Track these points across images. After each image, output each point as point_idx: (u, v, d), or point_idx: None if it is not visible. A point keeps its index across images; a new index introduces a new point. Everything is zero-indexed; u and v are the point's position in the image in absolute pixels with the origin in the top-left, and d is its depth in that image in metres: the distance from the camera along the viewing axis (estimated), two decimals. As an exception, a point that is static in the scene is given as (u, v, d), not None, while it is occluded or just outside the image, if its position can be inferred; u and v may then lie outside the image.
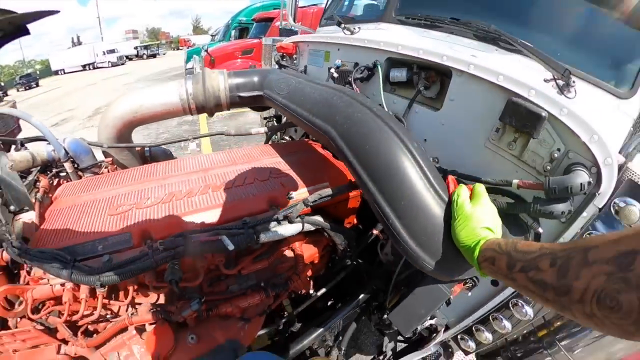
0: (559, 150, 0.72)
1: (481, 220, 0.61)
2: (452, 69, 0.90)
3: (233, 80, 1.36)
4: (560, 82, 0.75)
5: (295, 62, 1.83)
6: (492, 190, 0.77)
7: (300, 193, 1.00)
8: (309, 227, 0.97)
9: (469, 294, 0.97)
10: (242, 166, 1.14)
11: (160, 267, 0.81)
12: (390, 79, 1.10)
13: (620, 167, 0.73)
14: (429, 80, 1.00)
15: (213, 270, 0.96)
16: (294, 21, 2.14)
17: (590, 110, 0.74)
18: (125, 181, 1.09)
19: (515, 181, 0.70)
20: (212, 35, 12.90)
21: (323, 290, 1.21)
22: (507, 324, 0.88)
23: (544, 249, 0.46)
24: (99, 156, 1.42)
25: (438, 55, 0.93)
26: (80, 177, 1.25)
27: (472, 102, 0.87)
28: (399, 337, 1.35)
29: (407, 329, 0.93)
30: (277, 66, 1.93)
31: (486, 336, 0.96)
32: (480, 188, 0.68)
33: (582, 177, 0.64)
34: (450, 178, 0.74)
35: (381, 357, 1.35)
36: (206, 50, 6.76)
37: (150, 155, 1.55)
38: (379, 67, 1.12)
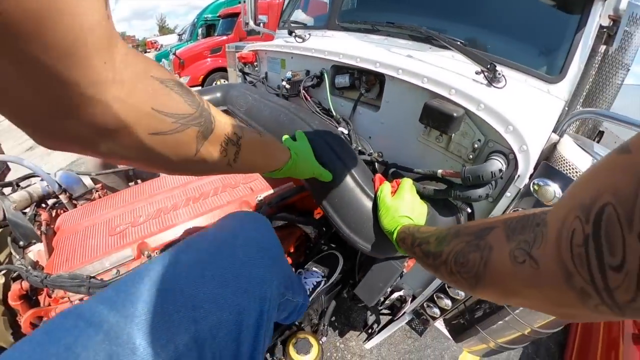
0: (479, 140, 0.80)
1: (399, 210, 0.75)
2: (385, 75, 1.00)
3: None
4: (489, 75, 0.85)
5: (257, 68, 1.90)
6: (425, 178, 0.89)
7: (268, 195, 1.12)
8: (278, 223, 1.10)
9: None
10: (217, 177, 1.25)
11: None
12: (335, 85, 1.20)
13: (554, 145, 0.83)
14: (369, 84, 1.11)
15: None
16: (255, 23, 2.18)
17: (515, 100, 0.83)
18: (118, 203, 1.19)
19: (439, 171, 0.82)
20: (179, 35, 12.47)
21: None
22: (461, 292, 1.02)
23: (436, 231, 0.56)
24: (91, 181, 1.48)
25: (372, 62, 1.04)
26: (75, 206, 1.34)
27: (403, 103, 0.99)
28: (382, 311, 1.50)
29: (371, 300, 1.09)
30: (241, 74, 1.99)
31: (446, 302, 1.10)
32: (405, 183, 0.81)
33: (494, 165, 0.72)
34: (377, 176, 0.88)
35: (368, 330, 1.57)
36: (174, 53, 6.62)
37: (134, 174, 1.63)
38: (326, 75, 1.22)
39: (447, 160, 0.91)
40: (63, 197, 1.30)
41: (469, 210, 0.88)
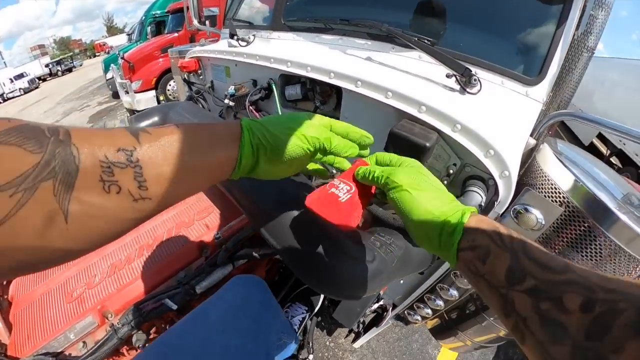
0: (454, 165, 0.70)
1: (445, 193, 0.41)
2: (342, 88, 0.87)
3: (139, 125, 1.25)
4: (462, 79, 0.73)
5: (201, 77, 1.70)
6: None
7: (225, 230, 1.02)
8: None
9: (401, 281, 1.03)
10: (168, 215, 1.13)
11: (126, 337, 0.89)
12: (286, 97, 1.05)
13: (532, 150, 0.75)
14: (324, 95, 0.97)
15: (170, 320, 1.02)
16: (200, 21, 1.95)
17: (492, 109, 0.72)
18: (70, 262, 1.07)
19: None
20: (128, 35, 11.50)
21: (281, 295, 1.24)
22: (440, 302, 0.96)
23: (573, 273, 0.28)
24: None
25: (326, 72, 0.89)
26: None
27: (364, 120, 0.85)
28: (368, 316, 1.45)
29: (350, 324, 1.07)
30: (186, 84, 1.78)
31: (426, 312, 1.05)
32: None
33: (473, 200, 0.64)
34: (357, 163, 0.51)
35: (355, 331, 1.52)
36: (122, 57, 6.04)
37: None
38: (274, 86, 1.07)
39: None
40: (9, 263, 1.15)
41: None
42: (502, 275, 0.30)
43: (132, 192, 0.29)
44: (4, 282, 1.14)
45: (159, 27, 7.95)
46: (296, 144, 0.40)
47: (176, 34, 6.45)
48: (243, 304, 0.78)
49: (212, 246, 0.98)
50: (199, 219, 1.05)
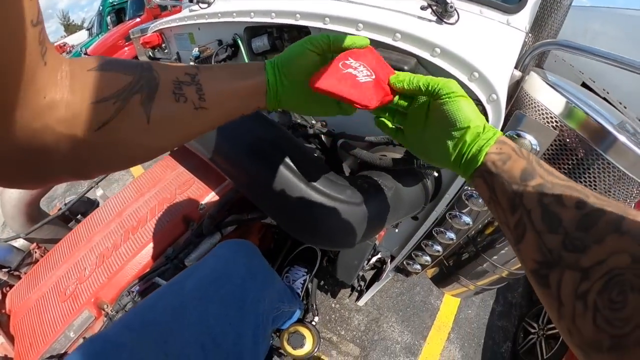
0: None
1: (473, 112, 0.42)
2: (309, 28, 0.79)
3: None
4: (438, 10, 0.67)
5: (166, 51, 1.57)
6: (380, 146, 0.73)
7: (209, 199, 0.97)
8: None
9: (396, 230, 1.00)
10: (150, 193, 1.07)
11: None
12: (254, 50, 0.96)
13: (518, 83, 0.70)
14: (293, 41, 0.88)
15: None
16: None
17: (473, 37, 0.68)
18: (59, 259, 1.05)
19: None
20: (88, 30, 10.77)
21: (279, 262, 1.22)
22: (438, 247, 0.94)
23: (576, 186, 0.32)
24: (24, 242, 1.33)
25: (291, 14, 0.82)
26: (19, 277, 1.19)
27: None
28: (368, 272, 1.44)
29: (350, 279, 1.03)
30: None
31: (425, 259, 1.03)
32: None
33: None
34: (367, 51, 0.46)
35: (357, 289, 1.56)
36: (86, 53, 5.67)
37: (70, 212, 1.43)
38: (240, 41, 0.98)
39: None
40: (2, 275, 1.15)
41: (435, 174, 0.74)
42: (518, 174, 0.35)
43: (194, 101, 0.37)
44: (0, 297, 1.11)
45: (119, 15, 7.42)
46: (303, 47, 0.44)
47: (138, 19, 6.03)
48: (226, 269, 0.66)
49: (198, 217, 0.93)
50: (180, 193, 0.99)
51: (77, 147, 0.30)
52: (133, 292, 0.85)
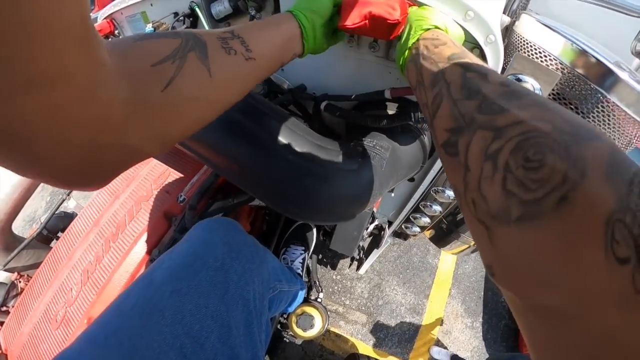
0: None
1: (426, 18, 0.46)
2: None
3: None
4: None
5: (120, 37, 1.39)
6: (369, 104, 0.64)
7: (188, 188, 0.88)
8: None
9: (392, 195, 0.94)
10: (125, 194, 0.96)
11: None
12: (215, 17, 0.83)
13: (507, 28, 0.64)
14: (258, 0, 0.75)
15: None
16: None
17: None
18: (44, 285, 0.96)
19: (386, 91, 0.57)
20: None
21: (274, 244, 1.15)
22: (437, 207, 0.88)
23: (507, 78, 0.30)
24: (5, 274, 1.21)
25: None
26: (7, 312, 1.09)
27: None
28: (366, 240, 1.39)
29: (350, 251, 0.96)
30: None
31: (424, 220, 0.98)
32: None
33: None
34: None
35: (357, 258, 1.53)
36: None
37: (49, 231, 1.31)
38: (197, 8, 0.84)
39: (391, 72, 0.66)
40: (-9, 314, 1.04)
41: None
42: (447, 54, 0.34)
43: (243, 53, 0.38)
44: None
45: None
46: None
47: (91, 12, 5.55)
48: (202, 252, 0.54)
49: (179, 211, 0.83)
50: (157, 187, 0.89)
51: (147, 112, 0.28)
52: None
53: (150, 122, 0.29)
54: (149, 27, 0.93)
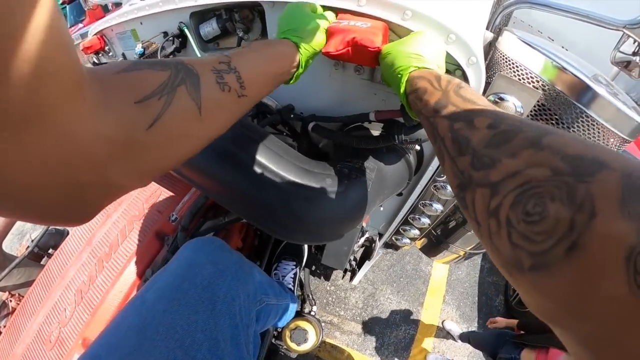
0: None
1: (410, 47, 0.46)
2: (261, 3, 0.69)
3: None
4: None
5: (110, 54, 1.40)
6: (354, 125, 0.66)
7: (180, 208, 0.89)
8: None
9: (381, 209, 0.96)
10: (117, 213, 0.97)
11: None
12: (204, 37, 0.85)
13: (490, 44, 0.66)
14: (245, 21, 0.78)
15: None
16: None
17: None
18: (36, 305, 0.96)
19: (371, 114, 0.59)
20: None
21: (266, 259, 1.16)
22: (425, 220, 0.90)
23: (492, 111, 0.30)
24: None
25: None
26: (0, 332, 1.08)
27: None
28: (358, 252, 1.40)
29: (341, 265, 0.98)
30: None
31: (414, 232, 0.99)
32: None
33: None
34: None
35: (349, 270, 1.50)
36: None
37: (40, 248, 1.30)
38: (186, 29, 0.86)
39: (376, 93, 0.68)
40: (-20, 336, 1.02)
41: (417, 147, 0.69)
42: (432, 106, 0.35)
43: (237, 90, 0.37)
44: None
45: (60, 23, 6.75)
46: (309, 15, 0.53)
47: (81, 24, 5.51)
48: (189, 272, 0.58)
49: (172, 230, 0.84)
50: (149, 207, 0.90)
51: (131, 151, 0.27)
52: None
53: (134, 159, 0.28)
54: (138, 48, 0.95)
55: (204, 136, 0.35)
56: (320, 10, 0.56)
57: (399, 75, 0.43)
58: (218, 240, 0.67)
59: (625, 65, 0.62)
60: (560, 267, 0.18)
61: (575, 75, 0.59)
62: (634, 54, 0.59)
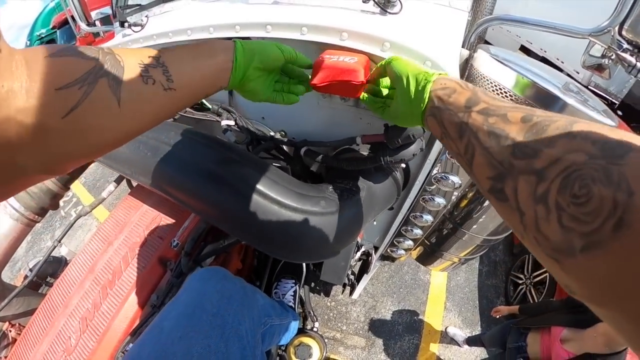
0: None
1: (421, 68, 0.48)
2: (252, 39, 0.75)
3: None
4: (380, 1, 0.66)
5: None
6: (343, 148, 0.72)
7: (180, 233, 0.93)
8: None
9: (375, 223, 1.01)
10: (118, 241, 0.99)
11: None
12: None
13: (467, 61, 0.71)
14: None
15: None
16: (88, 24, 1.64)
17: (419, 24, 0.66)
18: (39, 334, 0.96)
19: (357, 139, 0.65)
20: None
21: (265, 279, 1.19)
22: (418, 231, 0.95)
23: (521, 106, 0.32)
24: None
25: (230, 26, 0.77)
26: None
27: None
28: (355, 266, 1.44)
29: (340, 280, 1.02)
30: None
31: (408, 243, 1.04)
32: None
33: None
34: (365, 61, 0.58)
35: (349, 284, 1.52)
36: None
37: (38, 276, 1.31)
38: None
39: (362, 117, 0.73)
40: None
41: (403, 165, 0.74)
42: (463, 103, 0.37)
43: (162, 83, 0.38)
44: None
45: (49, 48, 6.83)
46: (276, 50, 0.52)
47: (72, 51, 5.60)
48: (199, 301, 0.65)
49: (174, 255, 0.87)
50: (150, 233, 0.93)
51: (44, 137, 0.28)
52: (127, 350, 0.80)
53: (46, 146, 0.29)
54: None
55: (121, 129, 0.35)
56: (294, 57, 0.55)
57: (425, 80, 0.43)
58: (222, 270, 0.73)
59: (596, 67, 0.68)
60: (610, 245, 0.19)
61: (545, 88, 0.64)
62: (603, 56, 0.64)
